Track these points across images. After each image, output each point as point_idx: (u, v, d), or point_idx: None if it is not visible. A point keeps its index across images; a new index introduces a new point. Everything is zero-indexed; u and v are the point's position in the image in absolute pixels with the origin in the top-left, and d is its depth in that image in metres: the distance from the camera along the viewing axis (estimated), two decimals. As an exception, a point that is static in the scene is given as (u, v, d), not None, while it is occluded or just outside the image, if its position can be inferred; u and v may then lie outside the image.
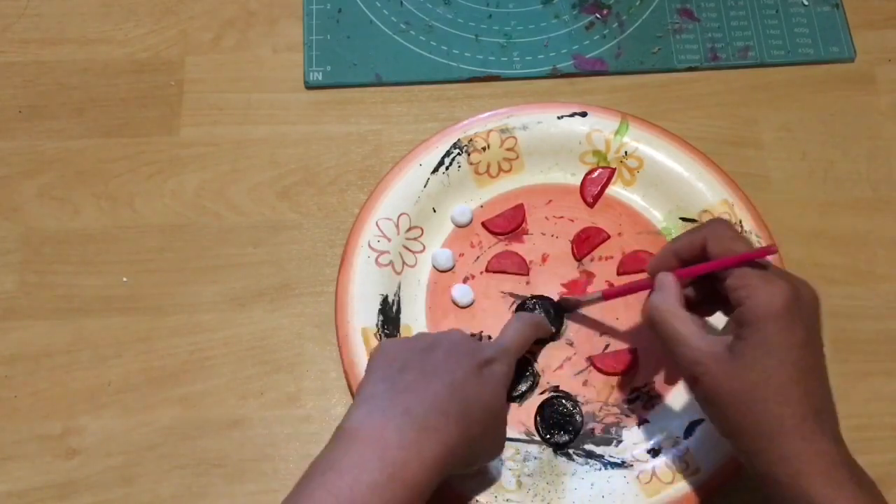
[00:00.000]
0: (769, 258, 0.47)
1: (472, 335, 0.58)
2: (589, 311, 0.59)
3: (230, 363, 0.58)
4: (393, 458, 0.42)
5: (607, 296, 0.56)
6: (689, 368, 0.46)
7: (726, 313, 0.49)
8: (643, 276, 0.54)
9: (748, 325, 0.44)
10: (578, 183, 0.62)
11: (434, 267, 0.60)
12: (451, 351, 0.48)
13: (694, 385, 0.46)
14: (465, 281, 0.60)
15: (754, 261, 0.46)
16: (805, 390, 0.44)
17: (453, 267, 0.60)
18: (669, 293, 0.48)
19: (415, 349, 0.48)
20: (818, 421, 0.44)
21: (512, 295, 0.59)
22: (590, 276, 0.60)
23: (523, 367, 0.57)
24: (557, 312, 0.59)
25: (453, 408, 0.45)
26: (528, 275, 0.60)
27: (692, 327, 0.47)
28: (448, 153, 0.62)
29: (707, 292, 0.49)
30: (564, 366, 0.58)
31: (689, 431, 0.55)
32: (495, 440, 0.50)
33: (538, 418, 0.56)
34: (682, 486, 0.53)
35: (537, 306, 0.59)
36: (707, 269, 0.48)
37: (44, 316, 0.59)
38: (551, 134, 0.62)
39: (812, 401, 0.44)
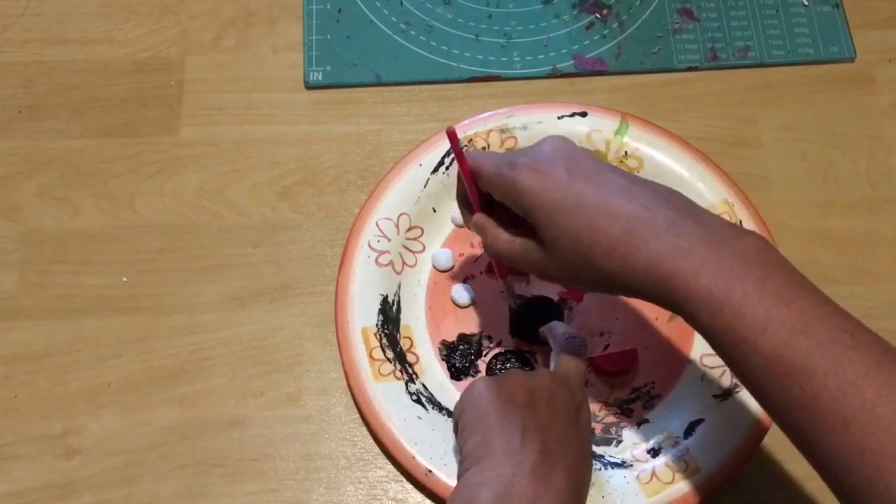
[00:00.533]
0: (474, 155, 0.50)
1: (472, 335, 0.58)
2: (589, 311, 0.59)
3: (230, 363, 0.58)
4: None
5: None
6: (529, 268, 0.49)
7: None
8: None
9: (528, 217, 0.46)
10: (578, 183, 0.62)
11: (434, 267, 0.60)
12: (552, 403, 0.47)
13: (543, 278, 0.49)
14: (465, 281, 0.60)
15: (493, 167, 0.48)
16: (607, 203, 0.44)
17: (453, 267, 0.60)
18: (487, 227, 0.50)
19: (517, 403, 0.47)
20: (635, 237, 0.43)
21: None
22: (590, 276, 0.60)
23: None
24: (556, 312, 0.59)
25: (572, 497, 0.45)
26: (528, 275, 0.60)
27: (504, 234, 0.49)
28: (448, 153, 0.62)
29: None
30: (564, 366, 0.58)
31: (689, 431, 0.55)
32: (589, 484, 0.50)
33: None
34: (682, 486, 0.53)
35: (536, 307, 0.59)
36: (470, 187, 0.50)
37: (44, 316, 0.59)
38: (551, 134, 0.62)
39: (624, 230, 0.43)
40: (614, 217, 0.43)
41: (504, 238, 0.49)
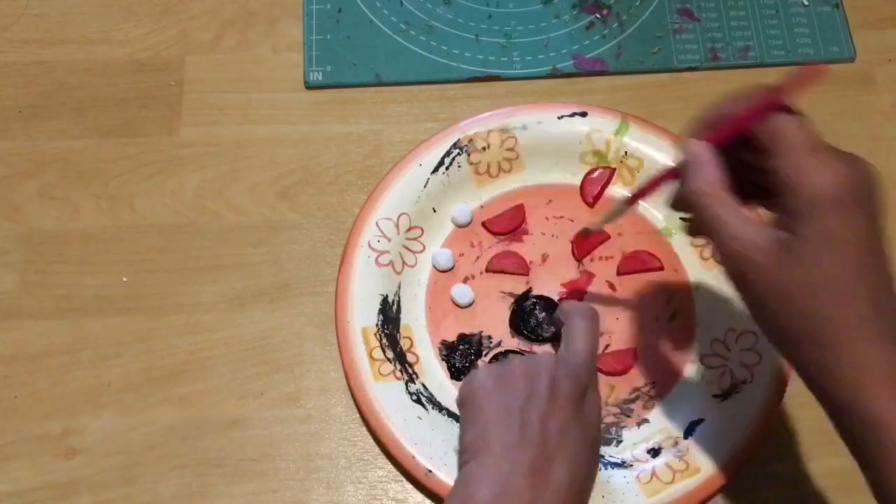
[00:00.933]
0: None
1: (472, 335, 0.58)
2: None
3: (230, 363, 0.58)
4: None
5: (634, 199, 0.52)
6: (737, 264, 0.41)
7: (767, 208, 0.44)
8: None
9: (801, 216, 0.39)
10: (578, 183, 0.62)
11: (434, 267, 0.60)
12: (553, 391, 0.46)
13: (741, 283, 0.42)
14: (465, 281, 0.60)
15: (805, 133, 0.41)
16: (866, 290, 0.39)
17: (453, 267, 0.60)
18: (707, 169, 0.43)
19: (517, 394, 0.46)
20: (880, 324, 0.39)
21: (512, 295, 0.59)
22: (590, 276, 0.60)
23: None
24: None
25: (574, 491, 0.44)
26: (528, 275, 0.60)
27: (739, 215, 0.41)
28: (448, 153, 0.62)
29: (742, 182, 0.43)
30: (564, 366, 0.58)
31: (689, 431, 0.55)
32: (595, 471, 0.49)
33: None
34: (682, 486, 0.53)
35: (536, 306, 0.59)
36: (740, 124, 0.42)
37: (44, 316, 0.59)
38: (551, 134, 0.62)
39: (873, 302, 0.39)
40: (877, 284, 0.39)
41: (725, 197, 0.42)
